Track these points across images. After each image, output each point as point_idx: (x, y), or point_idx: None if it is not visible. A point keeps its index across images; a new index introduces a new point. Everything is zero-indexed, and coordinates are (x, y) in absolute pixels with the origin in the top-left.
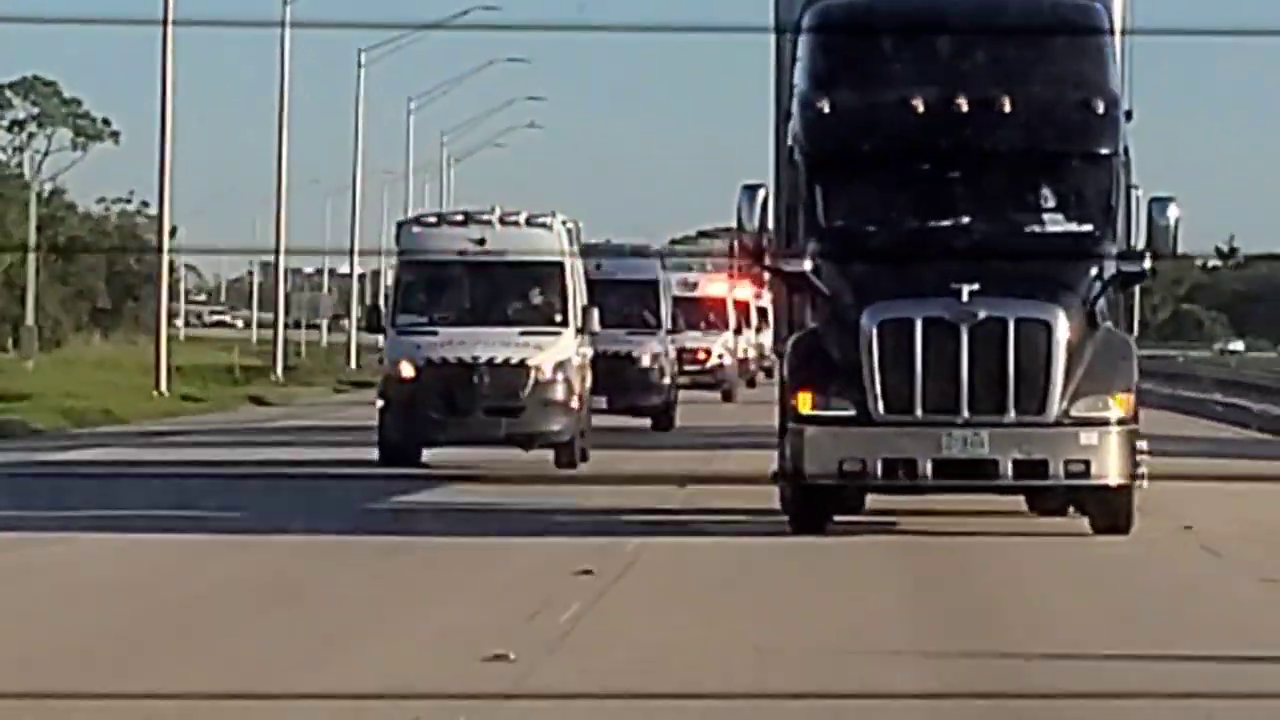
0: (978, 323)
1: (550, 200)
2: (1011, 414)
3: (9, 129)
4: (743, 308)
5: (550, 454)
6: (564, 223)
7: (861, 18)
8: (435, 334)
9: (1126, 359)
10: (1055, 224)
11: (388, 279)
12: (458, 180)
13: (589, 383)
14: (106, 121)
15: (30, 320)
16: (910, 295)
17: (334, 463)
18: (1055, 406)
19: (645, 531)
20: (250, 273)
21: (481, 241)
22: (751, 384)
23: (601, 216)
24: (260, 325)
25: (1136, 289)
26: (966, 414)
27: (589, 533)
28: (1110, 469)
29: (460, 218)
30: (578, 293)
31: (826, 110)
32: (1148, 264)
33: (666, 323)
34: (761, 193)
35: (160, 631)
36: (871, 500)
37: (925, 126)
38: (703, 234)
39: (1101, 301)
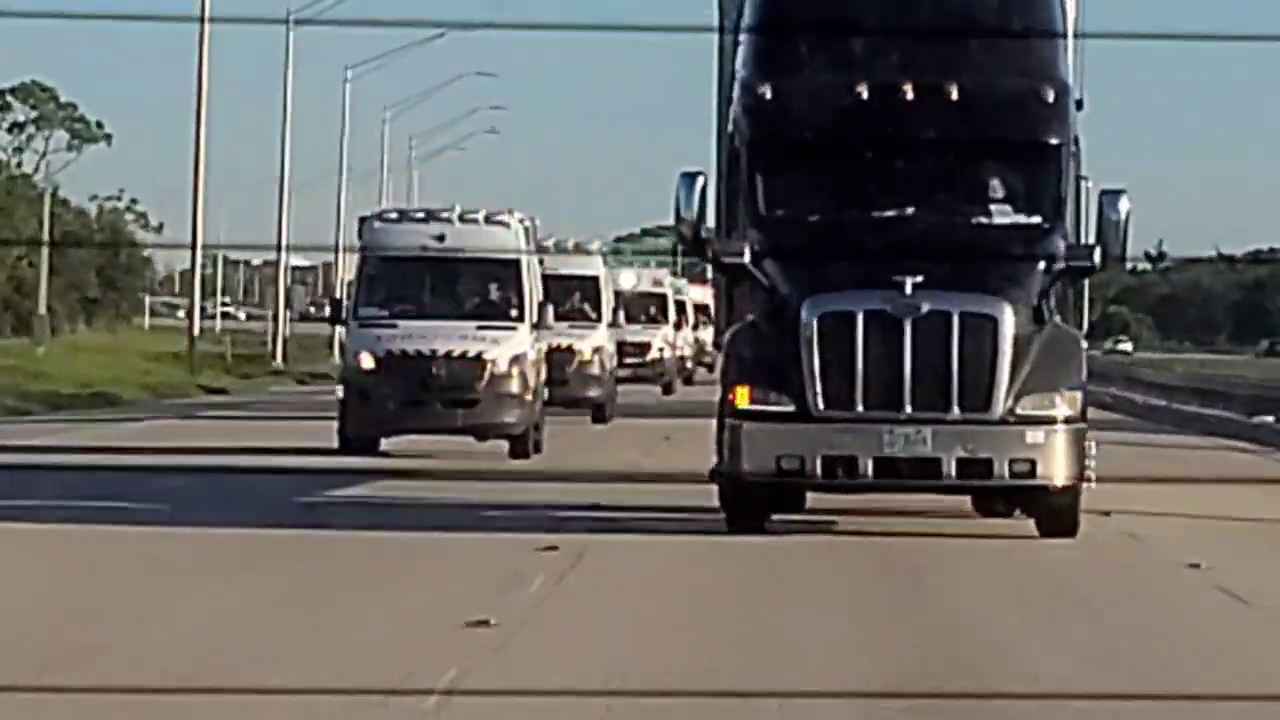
0: (921, 316)
1: (505, 198)
2: (955, 411)
3: (9, 131)
4: (680, 304)
5: (505, 445)
6: (521, 221)
7: (807, 2)
8: (395, 326)
9: (1075, 356)
10: (1003, 215)
11: (348, 273)
12: (421, 181)
13: (543, 376)
14: (100, 124)
15: (42, 309)
16: (852, 287)
17: (290, 451)
18: (1000, 404)
19: (576, 527)
20: (209, 266)
21: (441, 238)
22: (689, 380)
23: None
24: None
25: (1085, 284)
26: (909, 410)
27: (522, 528)
28: (1057, 469)
29: (421, 215)
30: (533, 289)
31: (768, 95)
32: (1098, 258)
33: (607, 317)
34: (700, 180)
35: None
36: (812, 499)
37: (869, 113)
38: (646, 232)
39: (1050, 297)
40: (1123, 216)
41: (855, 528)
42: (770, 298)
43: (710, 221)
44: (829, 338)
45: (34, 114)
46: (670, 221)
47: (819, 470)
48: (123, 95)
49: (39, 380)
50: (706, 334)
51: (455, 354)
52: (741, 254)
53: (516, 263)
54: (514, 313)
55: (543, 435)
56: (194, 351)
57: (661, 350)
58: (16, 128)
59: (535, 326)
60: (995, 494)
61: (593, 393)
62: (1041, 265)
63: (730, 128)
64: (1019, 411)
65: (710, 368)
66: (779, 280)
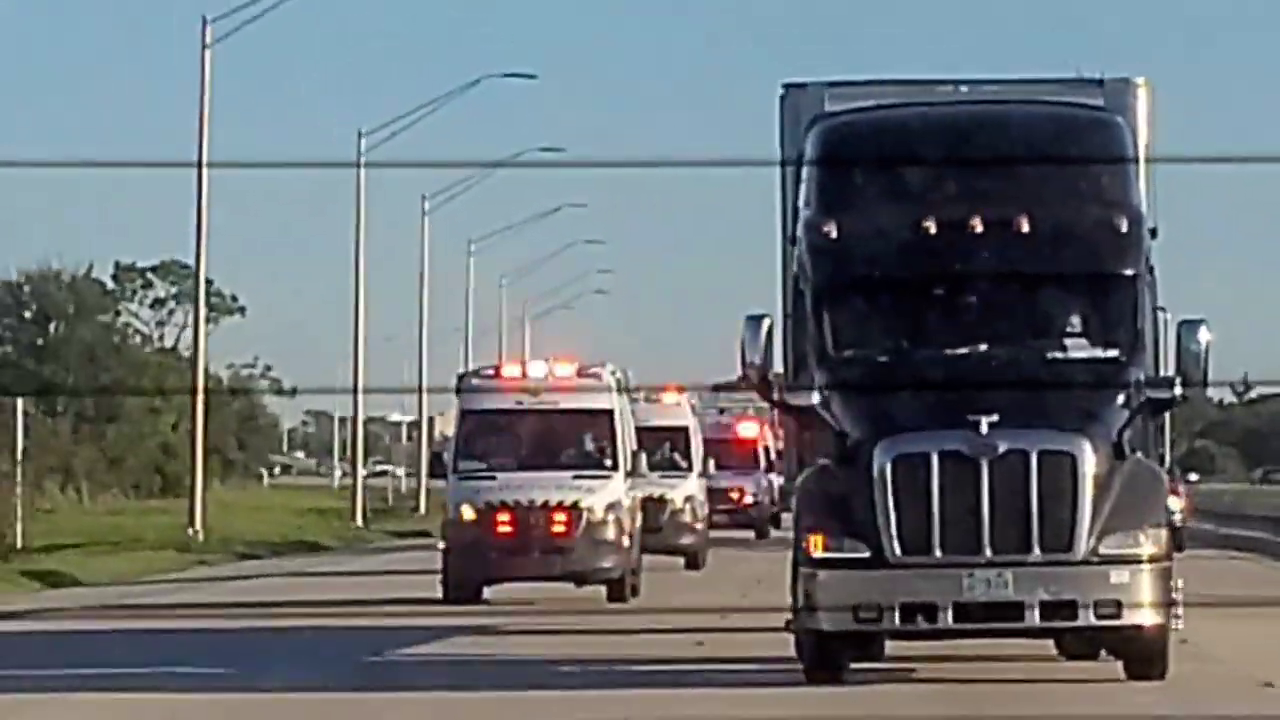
0: (998, 456)
1: (605, 344)
2: (1036, 552)
3: (151, 306)
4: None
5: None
6: (613, 372)
7: (869, 136)
8: (494, 479)
9: (1157, 491)
10: (1078, 349)
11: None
12: (531, 334)
13: (638, 522)
14: (234, 297)
15: (199, 474)
16: (925, 428)
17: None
18: (1083, 543)
19: (651, 682)
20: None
21: (536, 392)
22: (776, 524)
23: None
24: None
25: (1166, 418)
26: (989, 553)
27: (594, 684)
28: (1143, 610)
29: (516, 370)
30: (626, 438)
31: (833, 235)
32: (1178, 390)
33: (698, 466)
34: (766, 323)
35: None
36: (891, 644)
37: (937, 248)
38: (718, 387)
39: (1129, 431)
40: (1203, 347)
41: (935, 674)
42: (841, 441)
43: (778, 364)
44: (904, 481)
45: (174, 290)
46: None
47: (897, 618)
48: (256, 270)
49: (220, 531)
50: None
51: (552, 503)
52: (810, 397)
53: (609, 413)
54: (608, 462)
55: (639, 580)
56: (362, 502)
57: (755, 496)
58: (158, 303)
59: (629, 474)
60: (1080, 636)
61: (686, 540)
62: (1120, 399)
63: (795, 267)
64: (1102, 551)
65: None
66: (849, 423)
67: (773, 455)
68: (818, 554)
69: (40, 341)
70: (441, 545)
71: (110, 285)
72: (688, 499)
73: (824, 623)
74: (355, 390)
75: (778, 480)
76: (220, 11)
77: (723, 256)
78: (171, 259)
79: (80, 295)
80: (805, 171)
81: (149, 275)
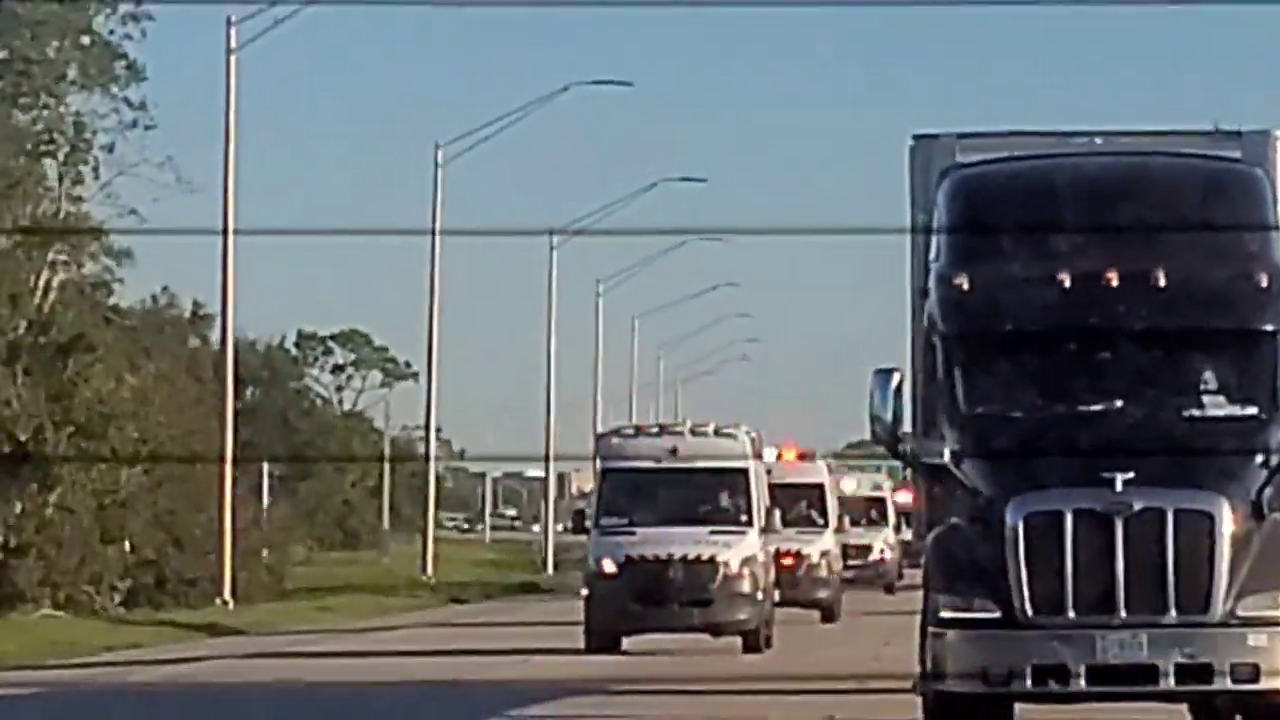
0: (1133, 514)
1: (740, 404)
2: (1172, 613)
3: (332, 372)
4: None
5: (739, 641)
6: (747, 432)
7: (1003, 187)
8: (634, 533)
9: None
10: (1216, 407)
11: (578, 485)
12: (666, 389)
13: (771, 576)
14: (408, 364)
15: (386, 524)
16: (1059, 485)
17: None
18: (1220, 605)
19: None
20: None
21: (674, 451)
22: (900, 579)
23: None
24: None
25: None
26: (1123, 614)
27: None
28: None
29: (655, 429)
30: (760, 495)
31: (965, 287)
32: None
33: (834, 523)
34: (896, 377)
35: None
36: (1020, 709)
37: (1072, 303)
38: (850, 445)
39: (1269, 490)
40: None
41: None
42: (973, 498)
43: (907, 421)
44: (1036, 539)
45: (352, 356)
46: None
47: (1029, 680)
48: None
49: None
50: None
51: (690, 557)
52: (941, 453)
53: (745, 471)
54: (744, 517)
55: (773, 631)
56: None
57: (883, 551)
58: (338, 369)
59: (763, 530)
60: (1215, 702)
61: (821, 594)
62: (1259, 458)
63: (926, 322)
64: (1240, 613)
65: (918, 567)
66: (981, 480)
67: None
68: (947, 614)
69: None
70: (584, 595)
71: (294, 352)
72: (823, 554)
73: (953, 685)
74: (547, 458)
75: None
76: None
77: (856, 315)
78: (350, 328)
79: (274, 363)
80: (937, 224)
81: (330, 343)
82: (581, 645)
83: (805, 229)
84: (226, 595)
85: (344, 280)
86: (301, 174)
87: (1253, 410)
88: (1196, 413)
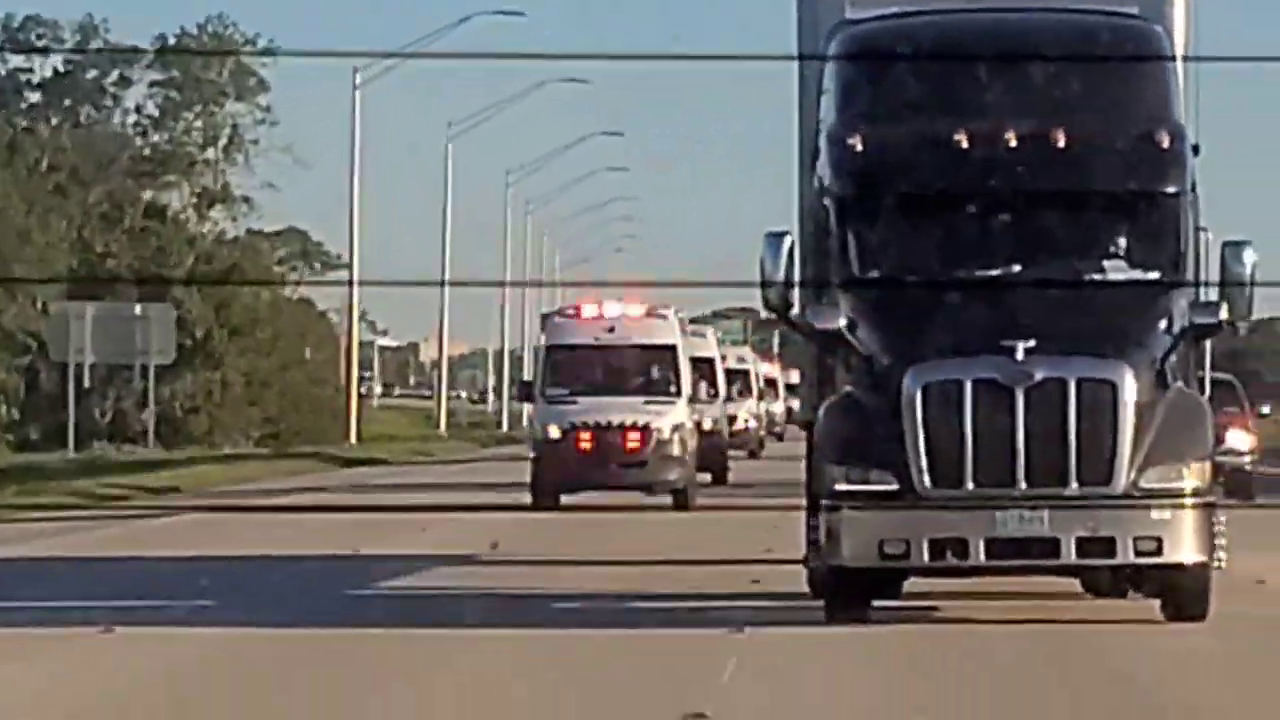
0: (1034, 384)
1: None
2: (1074, 486)
3: (278, 264)
4: (742, 375)
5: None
6: (676, 312)
7: (895, 43)
8: (576, 403)
9: (1201, 422)
10: (1117, 271)
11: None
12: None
13: (695, 442)
14: (339, 255)
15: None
16: (958, 354)
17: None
18: (1123, 477)
19: (644, 621)
20: None
21: (611, 329)
22: (755, 454)
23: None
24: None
25: (1207, 345)
26: (1024, 486)
27: (598, 623)
28: (1185, 547)
29: (595, 311)
30: (687, 370)
31: (859, 148)
32: (1224, 315)
33: (687, 390)
34: (787, 241)
35: None
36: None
37: (969, 164)
38: (718, 314)
39: (1172, 358)
40: (1249, 269)
41: (960, 614)
42: (868, 367)
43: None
44: (935, 410)
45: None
46: (739, 303)
47: (926, 554)
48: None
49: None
50: (775, 406)
51: (627, 423)
52: (836, 319)
53: (674, 348)
54: (673, 389)
55: (696, 492)
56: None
57: (748, 421)
58: (281, 262)
59: (690, 400)
60: (1115, 574)
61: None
62: (1162, 324)
63: (818, 183)
64: (1143, 485)
65: (779, 438)
66: (877, 347)
67: (761, 382)
68: (842, 486)
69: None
70: (531, 457)
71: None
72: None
73: (848, 559)
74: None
75: (766, 406)
76: None
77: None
78: (290, 225)
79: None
80: (827, 83)
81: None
82: (529, 501)
83: (687, 54)
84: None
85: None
86: None
87: (1155, 275)
88: (1098, 277)
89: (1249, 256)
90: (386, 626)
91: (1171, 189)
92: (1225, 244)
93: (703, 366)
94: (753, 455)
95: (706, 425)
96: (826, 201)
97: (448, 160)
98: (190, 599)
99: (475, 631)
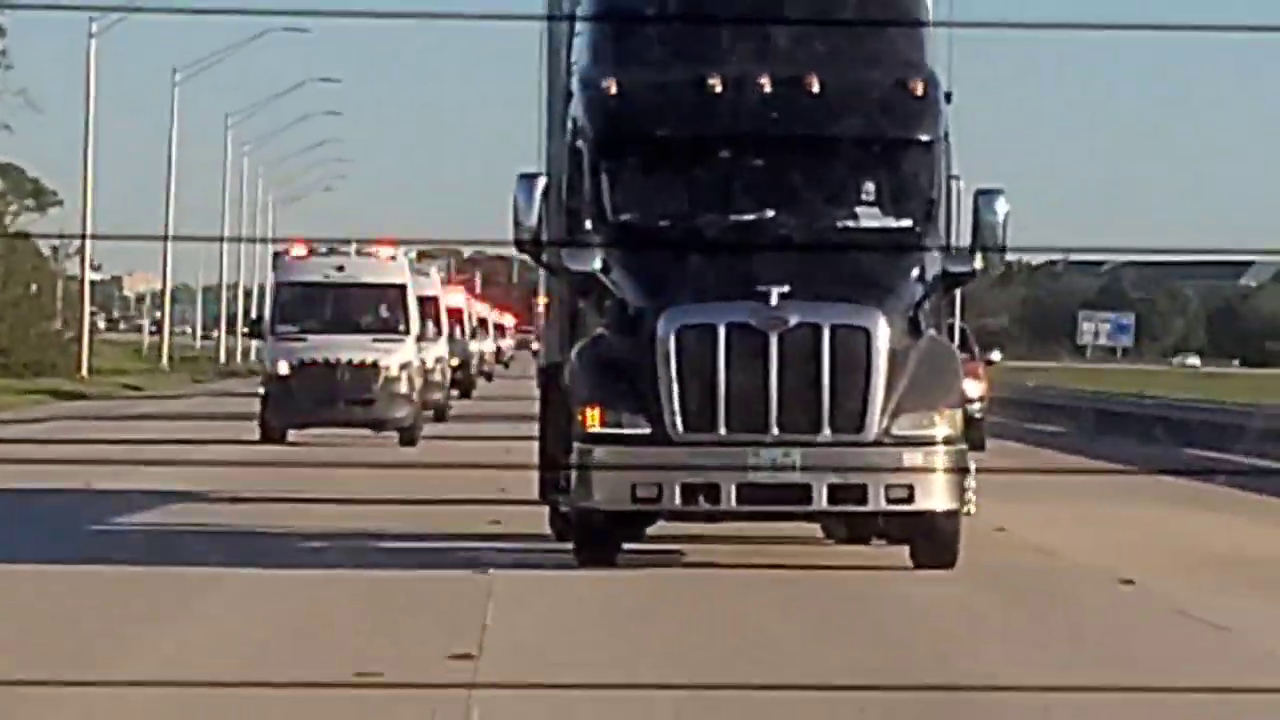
0: (788, 329)
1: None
2: (826, 432)
3: None
4: (456, 314)
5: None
6: (406, 253)
7: None
8: (305, 340)
9: (953, 370)
10: (870, 218)
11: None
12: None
13: (421, 380)
14: (54, 192)
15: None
16: (712, 298)
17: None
18: (875, 424)
19: (407, 563)
20: None
21: (341, 269)
22: (467, 394)
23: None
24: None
25: (958, 292)
26: (776, 432)
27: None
28: (937, 495)
29: (325, 250)
30: (415, 309)
31: (612, 90)
32: (978, 263)
33: (415, 328)
34: (541, 183)
35: None
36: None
37: (722, 108)
38: (423, 254)
39: (925, 305)
40: (1001, 218)
41: (707, 558)
42: (622, 310)
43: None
44: (688, 353)
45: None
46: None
47: (678, 498)
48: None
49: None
50: (485, 345)
51: (355, 361)
52: (591, 261)
53: (403, 287)
54: (402, 328)
55: (420, 429)
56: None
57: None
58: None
59: (419, 339)
60: (862, 521)
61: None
62: (915, 272)
63: (570, 126)
64: (895, 432)
65: (489, 377)
66: (630, 291)
67: (474, 321)
68: (595, 429)
69: None
70: (260, 394)
71: None
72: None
73: (599, 502)
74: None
75: (479, 346)
76: None
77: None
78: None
79: None
80: (579, 25)
81: None
82: (256, 436)
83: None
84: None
85: None
86: None
87: (908, 222)
88: (851, 224)
89: (1001, 206)
90: (131, 564)
91: (925, 136)
92: (978, 192)
93: (427, 305)
94: (464, 395)
95: (429, 364)
96: (580, 144)
97: (173, 106)
98: None
99: (221, 570)
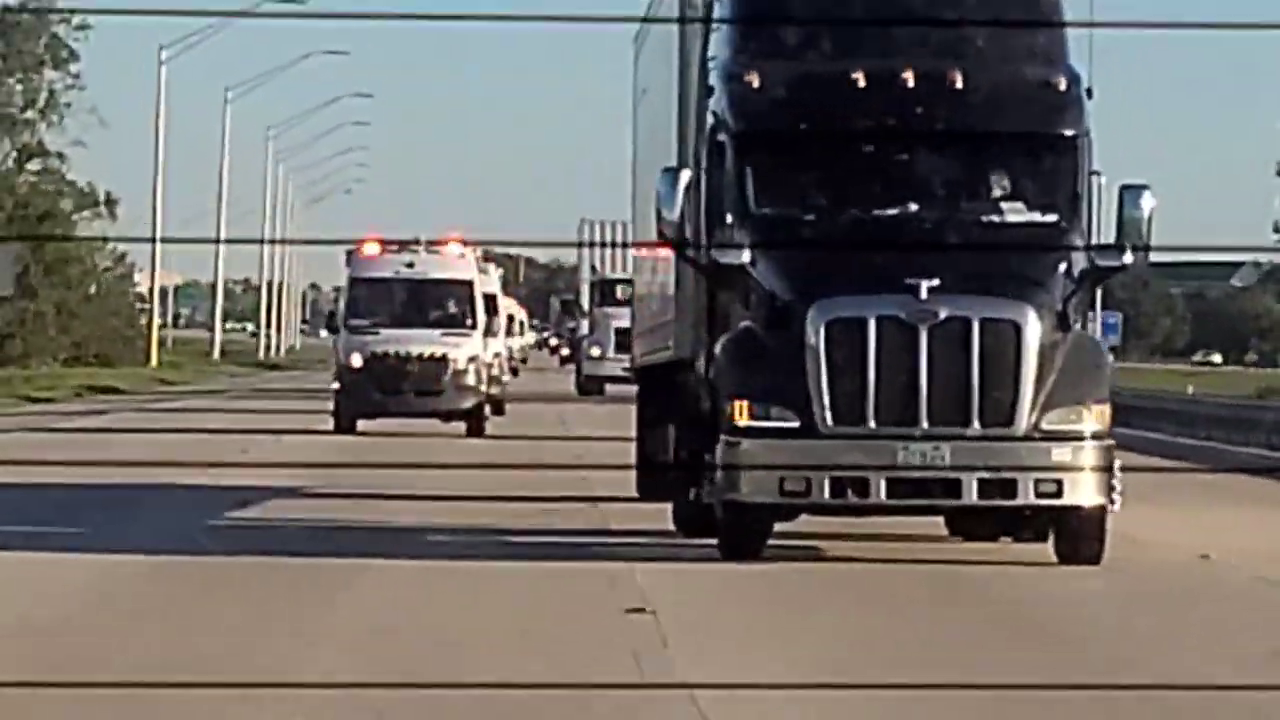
0: (938, 323)
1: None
2: (976, 426)
3: None
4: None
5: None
6: (473, 250)
7: None
8: (377, 334)
9: (1100, 365)
10: (1015, 213)
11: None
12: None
13: (488, 373)
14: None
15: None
16: (861, 291)
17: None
18: (1025, 419)
19: (554, 554)
20: None
21: (411, 265)
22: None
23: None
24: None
25: (1099, 289)
26: (926, 425)
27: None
28: (1084, 490)
29: (396, 247)
30: (482, 305)
31: (756, 84)
32: (1128, 259)
33: (482, 323)
34: (684, 176)
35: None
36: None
37: (866, 102)
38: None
39: (1073, 300)
40: (1146, 214)
41: (849, 553)
42: (769, 303)
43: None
44: (838, 347)
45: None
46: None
47: (826, 491)
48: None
49: None
50: (514, 342)
51: (425, 355)
52: (741, 255)
53: (470, 283)
54: (469, 322)
55: (487, 419)
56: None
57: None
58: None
59: (485, 333)
60: (1008, 517)
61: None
62: (1062, 266)
63: (711, 120)
64: (1044, 427)
65: (515, 372)
66: (778, 283)
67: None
68: (742, 422)
69: None
70: (334, 386)
71: None
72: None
73: (748, 495)
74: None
75: (511, 343)
76: None
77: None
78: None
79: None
80: (720, 14)
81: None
82: (330, 427)
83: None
84: None
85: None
86: None
87: (1053, 218)
88: (995, 219)
89: (1147, 201)
90: (261, 556)
91: (1069, 132)
92: (1123, 187)
93: (488, 302)
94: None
95: (487, 358)
96: (721, 137)
97: (225, 120)
98: (59, 525)
99: (366, 561)
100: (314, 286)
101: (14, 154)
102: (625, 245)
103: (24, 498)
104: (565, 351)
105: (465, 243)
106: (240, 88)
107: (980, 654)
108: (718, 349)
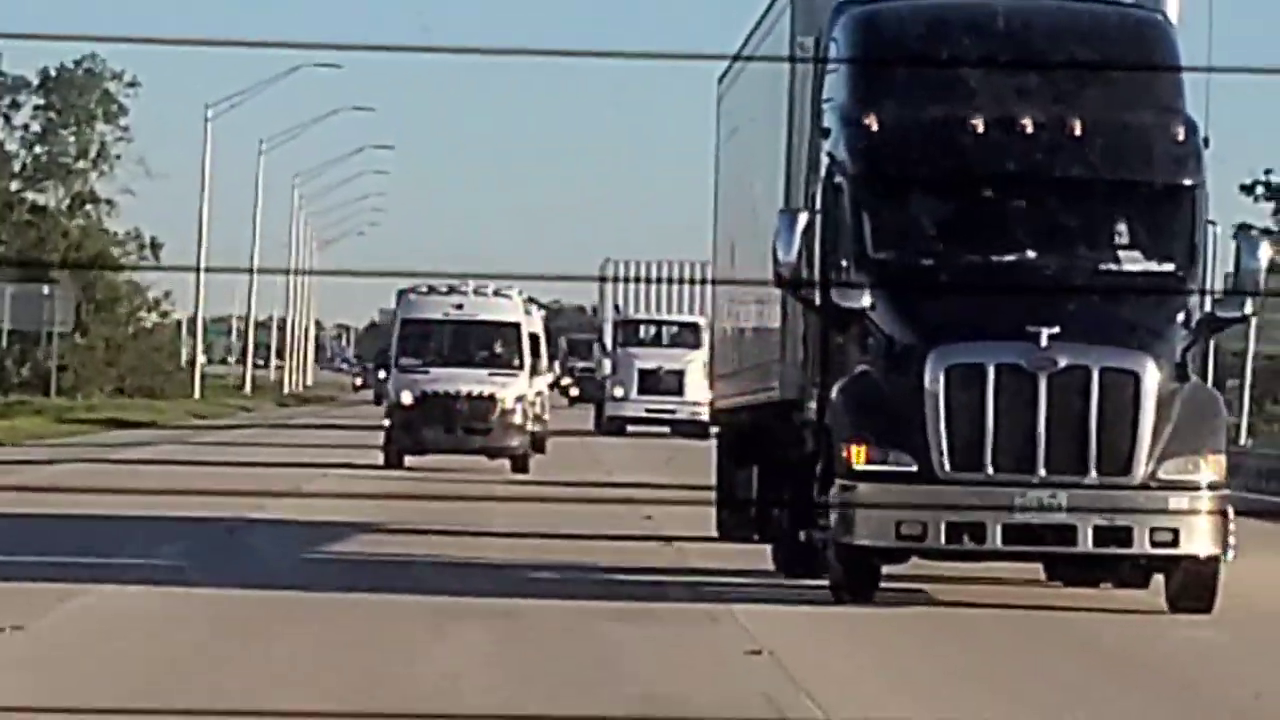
0: (1057, 371)
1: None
2: (1093, 474)
3: None
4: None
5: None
6: (520, 293)
7: (908, 25)
8: (428, 373)
9: (1217, 415)
10: (1133, 262)
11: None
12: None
13: (534, 413)
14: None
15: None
16: (981, 338)
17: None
18: (1142, 467)
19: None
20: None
21: (460, 307)
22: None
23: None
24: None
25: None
26: (1043, 473)
27: (609, 595)
28: (1200, 539)
29: (445, 289)
30: (529, 346)
31: (875, 128)
32: (1248, 309)
33: (529, 362)
34: (802, 219)
35: None
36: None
37: (985, 147)
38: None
39: (1192, 350)
40: (1263, 264)
41: (954, 597)
42: (888, 347)
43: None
44: (957, 392)
45: None
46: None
47: (943, 537)
48: None
49: None
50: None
51: (473, 394)
52: (861, 298)
53: (517, 325)
54: (516, 363)
55: (532, 459)
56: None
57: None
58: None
59: (532, 373)
60: (1121, 565)
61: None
62: (1180, 316)
63: (827, 163)
64: (1161, 476)
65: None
66: (897, 328)
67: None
68: (859, 465)
69: None
70: (385, 423)
71: None
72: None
73: (863, 538)
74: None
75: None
76: None
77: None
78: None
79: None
80: (834, 64)
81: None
82: (380, 461)
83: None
84: None
85: None
86: None
87: (1170, 267)
88: (1113, 267)
89: (1264, 251)
90: (382, 592)
91: (1188, 181)
92: (1239, 237)
93: (533, 342)
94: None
95: (531, 397)
96: (839, 180)
97: (259, 166)
98: (152, 558)
99: (460, 600)
100: (319, 324)
101: (67, 201)
102: (658, 281)
103: (102, 529)
104: (575, 391)
105: (510, 280)
106: (273, 139)
107: (1112, 704)
108: (834, 392)
